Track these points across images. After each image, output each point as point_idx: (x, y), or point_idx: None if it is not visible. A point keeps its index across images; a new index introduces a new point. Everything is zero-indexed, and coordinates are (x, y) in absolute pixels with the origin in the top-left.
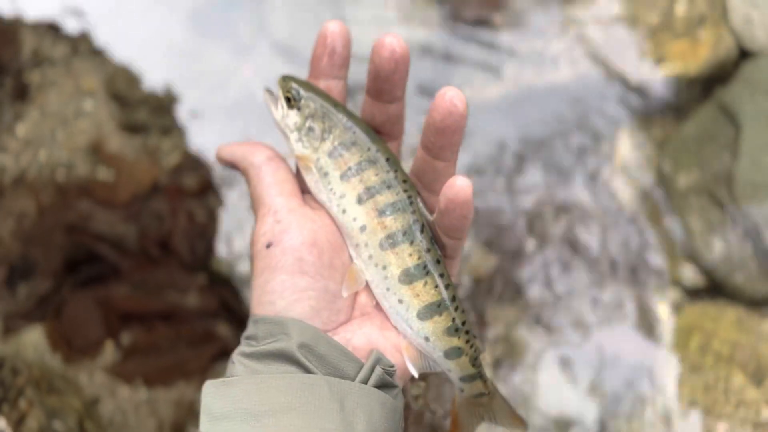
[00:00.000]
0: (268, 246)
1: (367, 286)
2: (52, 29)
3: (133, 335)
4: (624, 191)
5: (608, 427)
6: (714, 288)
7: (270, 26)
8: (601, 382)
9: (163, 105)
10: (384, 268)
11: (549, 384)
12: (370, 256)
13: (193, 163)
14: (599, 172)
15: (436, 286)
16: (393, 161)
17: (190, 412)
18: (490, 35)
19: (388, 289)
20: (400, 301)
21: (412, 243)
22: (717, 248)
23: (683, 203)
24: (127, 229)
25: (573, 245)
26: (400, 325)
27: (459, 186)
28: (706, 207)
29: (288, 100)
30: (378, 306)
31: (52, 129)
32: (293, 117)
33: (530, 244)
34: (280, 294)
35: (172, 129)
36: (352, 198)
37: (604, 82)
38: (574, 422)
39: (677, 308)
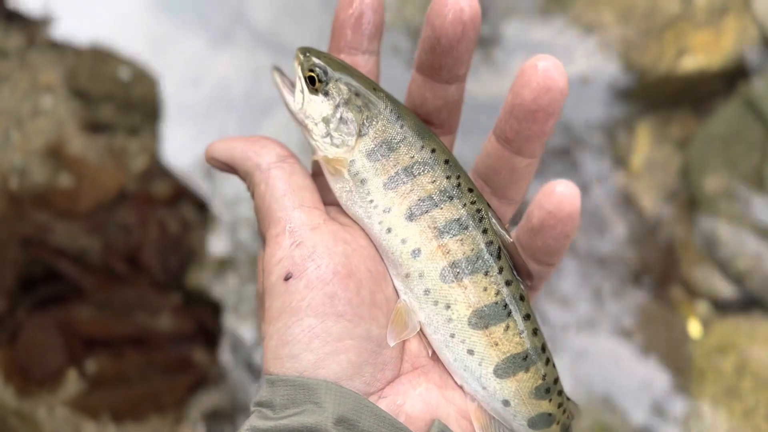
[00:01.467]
0: (287, 278)
1: (421, 331)
2: (3, 17)
3: (99, 363)
4: (644, 195)
5: None
6: (746, 300)
7: (249, 13)
8: (630, 406)
9: (131, 101)
10: (447, 307)
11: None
12: (427, 291)
13: (165, 166)
14: (615, 173)
15: (521, 333)
16: (454, 164)
17: None
18: (495, 26)
19: (452, 336)
20: (471, 352)
21: (486, 274)
22: (749, 256)
23: (711, 208)
24: (90, 243)
25: (588, 254)
26: (469, 384)
27: (562, 194)
28: (737, 212)
29: (311, 81)
30: (435, 356)
31: (5, 129)
32: (318, 105)
33: None
34: (306, 345)
35: (140, 128)
36: (401, 213)
37: (619, 77)
38: None
39: (707, 323)
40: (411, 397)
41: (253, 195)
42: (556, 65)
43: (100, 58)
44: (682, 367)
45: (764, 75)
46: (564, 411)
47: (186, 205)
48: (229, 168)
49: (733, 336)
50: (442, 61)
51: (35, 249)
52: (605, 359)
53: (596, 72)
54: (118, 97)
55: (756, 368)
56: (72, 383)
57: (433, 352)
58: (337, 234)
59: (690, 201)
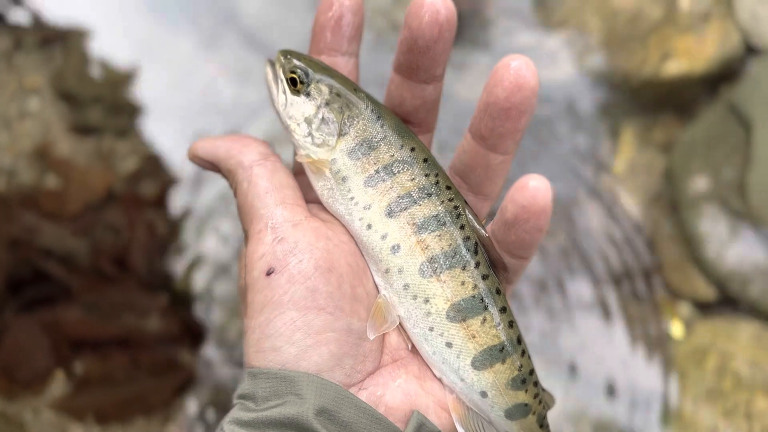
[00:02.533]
0: (269, 273)
1: (401, 325)
2: None
3: (86, 365)
4: (627, 198)
5: None
6: (727, 302)
7: (238, 14)
8: (612, 406)
9: (118, 104)
10: (426, 301)
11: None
12: (406, 286)
13: (153, 168)
14: (600, 177)
15: (498, 325)
16: (432, 162)
17: None
18: (482, 30)
19: (431, 329)
20: (449, 345)
21: (464, 268)
22: (730, 259)
23: (693, 210)
24: (77, 244)
25: (572, 255)
26: (447, 376)
27: (535, 188)
28: (718, 214)
29: (293, 82)
30: (415, 349)
31: None
32: (300, 105)
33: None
34: (288, 338)
35: (128, 130)
36: (381, 209)
37: (604, 81)
38: None
39: (688, 325)
40: (391, 389)
41: (235, 192)
42: (528, 64)
43: (88, 60)
44: (663, 367)
45: (746, 80)
46: (540, 401)
47: (174, 207)
48: (212, 166)
49: (715, 337)
50: (420, 61)
51: (22, 250)
52: (588, 359)
53: (581, 76)
54: (105, 99)
55: (737, 368)
56: (59, 385)
57: (413, 346)
58: (318, 230)
59: (672, 204)
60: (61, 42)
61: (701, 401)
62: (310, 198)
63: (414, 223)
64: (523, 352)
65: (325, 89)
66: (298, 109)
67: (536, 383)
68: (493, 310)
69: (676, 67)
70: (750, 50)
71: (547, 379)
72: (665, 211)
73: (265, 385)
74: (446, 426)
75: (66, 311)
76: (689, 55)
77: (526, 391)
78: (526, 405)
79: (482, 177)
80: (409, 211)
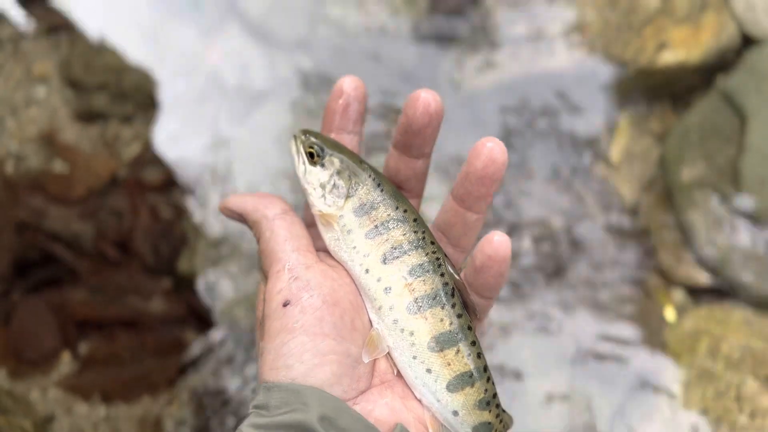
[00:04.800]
0: (285, 305)
1: (389, 353)
2: None
3: (91, 345)
4: (623, 185)
5: None
6: (720, 288)
7: (241, 4)
8: (605, 390)
9: (123, 92)
10: (411, 334)
11: (549, 395)
12: (395, 321)
13: (157, 154)
14: (596, 164)
15: (469, 355)
16: (420, 222)
17: (156, 430)
18: (482, 20)
19: (414, 358)
20: (429, 371)
21: (443, 308)
22: (723, 246)
23: (687, 198)
24: (83, 228)
25: (569, 242)
26: (426, 397)
27: (498, 242)
28: (712, 202)
29: (311, 155)
30: (399, 374)
31: (1, 117)
32: (317, 173)
33: (525, 243)
34: (298, 357)
35: (133, 117)
36: (378, 257)
37: (601, 71)
38: None
39: (682, 310)
40: (379, 405)
41: (258, 240)
42: (500, 145)
43: (94, 48)
44: (657, 351)
45: (741, 69)
46: (501, 421)
47: (177, 192)
48: (240, 217)
49: (708, 322)
50: (413, 141)
51: (29, 233)
52: (582, 342)
53: (578, 65)
54: (111, 87)
55: (728, 352)
56: (65, 365)
57: (398, 371)
58: (326, 272)
59: (667, 191)
60: (66, 30)
61: (693, 384)
62: (319, 247)
63: (403, 270)
64: (488, 379)
65: (336, 161)
66: (315, 176)
67: (498, 405)
68: (466, 343)
69: (672, 56)
70: (745, 40)
71: (554, 363)
72: (659, 198)
73: (278, 396)
74: (419, 429)
75: (72, 293)
76: (685, 45)
77: (490, 411)
78: (489, 423)
79: (460, 232)
80: (400, 259)
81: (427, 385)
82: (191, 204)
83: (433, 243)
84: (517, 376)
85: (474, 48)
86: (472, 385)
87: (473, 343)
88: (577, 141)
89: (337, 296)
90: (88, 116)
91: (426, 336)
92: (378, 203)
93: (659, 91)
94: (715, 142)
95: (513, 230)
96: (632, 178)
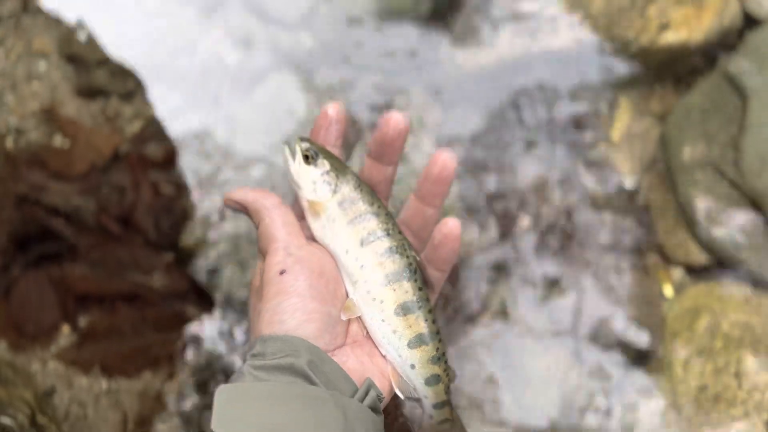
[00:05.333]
0: (282, 273)
1: (358, 318)
2: None
3: (92, 319)
4: (623, 165)
5: (613, 414)
6: (719, 266)
7: None
8: (603, 367)
9: (124, 68)
10: (381, 302)
11: (547, 366)
12: (368, 291)
13: (158, 130)
14: (596, 144)
15: (426, 320)
16: (390, 216)
17: (157, 404)
18: None
19: (383, 321)
20: (394, 332)
21: (407, 281)
22: (723, 225)
23: (688, 177)
24: (84, 203)
25: (569, 221)
26: (390, 353)
27: (452, 224)
28: (712, 182)
29: (306, 158)
30: (367, 336)
31: (0, 91)
32: (310, 172)
33: (524, 221)
34: (291, 314)
35: (134, 94)
36: (356, 241)
37: (603, 50)
38: (577, 408)
39: (681, 288)
40: (351, 359)
41: (258, 225)
42: (451, 155)
43: (92, 25)
44: (655, 329)
45: (743, 50)
46: (447, 375)
47: (179, 168)
48: (242, 207)
49: (707, 300)
50: (385, 151)
51: (30, 208)
52: (580, 319)
53: (580, 44)
54: (111, 63)
55: (727, 329)
56: (65, 339)
57: (367, 333)
58: (313, 251)
59: (667, 171)
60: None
61: (692, 361)
62: (306, 235)
63: (377, 252)
64: (440, 340)
65: (326, 163)
66: (308, 174)
67: (446, 362)
68: (424, 311)
69: (674, 36)
70: (748, 20)
71: (551, 340)
72: (660, 178)
73: (273, 346)
74: (384, 388)
75: (72, 267)
76: (687, 25)
77: (439, 366)
78: (438, 375)
79: (420, 225)
80: (374, 243)
81: (392, 342)
82: (192, 180)
83: (400, 233)
84: (515, 352)
85: (475, 27)
86: (427, 344)
87: (430, 311)
88: (577, 120)
89: (323, 269)
90: (88, 92)
91: (393, 303)
92: (357, 199)
93: (661, 72)
94: (717, 122)
95: (511, 208)
96: (632, 157)
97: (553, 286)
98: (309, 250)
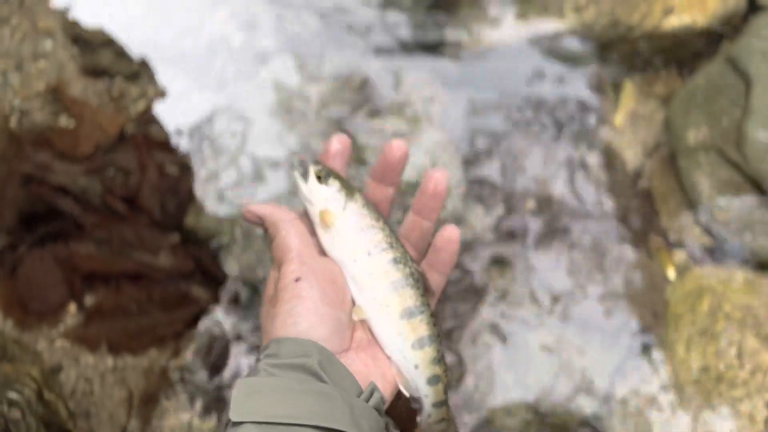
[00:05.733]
0: (297, 280)
1: (364, 324)
2: None
3: (98, 297)
4: (626, 149)
5: (615, 395)
6: (722, 249)
7: None
8: (606, 349)
9: (129, 48)
10: (387, 306)
11: (549, 347)
12: (375, 297)
13: (163, 111)
14: (600, 127)
15: (428, 323)
16: (393, 230)
17: (163, 381)
18: None
19: (389, 324)
20: (399, 334)
21: (410, 287)
22: (726, 208)
23: (691, 161)
24: (90, 183)
25: (573, 204)
26: (395, 354)
27: (452, 230)
28: (715, 165)
29: (318, 178)
30: (370, 341)
31: (4, 71)
32: (322, 190)
33: (529, 204)
34: (305, 317)
35: (139, 74)
36: (364, 251)
37: (607, 35)
38: (579, 389)
39: (683, 270)
40: (356, 362)
41: (274, 237)
42: (443, 173)
43: (98, 4)
44: (658, 311)
45: (747, 35)
46: (446, 375)
47: (184, 149)
48: (260, 220)
49: (709, 282)
50: (387, 174)
51: (36, 187)
52: (583, 301)
53: (585, 28)
54: (116, 44)
55: (729, 311)
56: (71, 317)
57: (369, 339)
58: (325, 262)
59: (671, 154)
60: None
61: (694, 342)
62: (318, 250)
63: (383, 261)
64: (440, 342)
65: (337, 183)
66: (320, 192)
67: (445, 363)
68: (426, 315)
69: (678, 21)
70: (752, 5)
71: (555, 322)
72: (663, 161)
73: (286, 347)
74: (386, 392)
75: (78, 246)
76: (691, 10)
77: (440, 366)
78: (438, 376)
79: (418, 238)
80: (380, 254)
81: (397, 344)
82: (197, 161)
83: (402, 246)
84: (518, 333)
85: (479, 10)
86: (429, 346)
87: (431, 315)
88: (581, 104)
89: (333, 278)
90: (94, 72)
91: (398, 308)
92: (365, 215)
93: (665, 56)
94: (720, 106)
95: (515, 191)
96: (636, 141)
97: (556, 268)
98: (321, 261)
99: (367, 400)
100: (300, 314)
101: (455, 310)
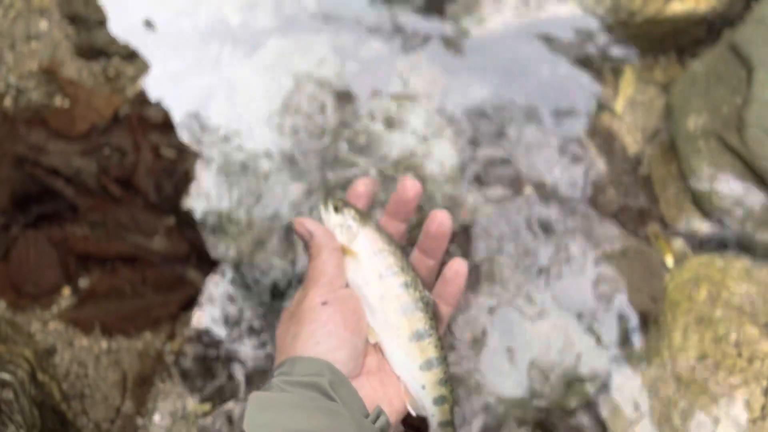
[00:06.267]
0: (324, 304)
1: (374, 350)
2: None
3: (92, 280)
4: (626, 135)
5: (611, 382)
6: (721, 237)
7: None
8: (602, 335)
9: (125, 28)
10: (397, 329)
11: (546, 334)
12: (386, 320)
13: (159, 92)
14: (599, 114)
15: (435, 346)
16: (404, 255)
17: (158, 363)
18: None
19: (398, 346)
20: (408, 355)
21: (419, 311)
22: (725, 195)
23: (691, 147)
24: (85, 164)
25: (571, 190)
26: (404, 374)
27: (460, 263)
28: (716, 152)
29: (335, 208)
30: (380, 367)
31: None
32: (338, 218)
33: (527, 190)
34: (327, 338)
35: (136, 55)
36: (376, 275)
37: (608, 20)
38: (576, 377)
39: (682, 258)
40: (365, 386)
41: (314, 257)
42: (446, 215)
43: None
44: (655, 298)
45: (749, 21)
46: (452, 396)
47: (179, 131)
48: (309, 235)
49: (708, 270)
50: (401, 210)
51: (29, 168)
52: (581, 287)
53: (585, 13)
54: (113, 23)
55: (728, 299)
56: (65, 299)
57: (377, 365)
58: (350, 293)
59: (671, 141)
60: None
61: (692, 329)
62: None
63: (394, 285)
64: (447, 364)
65: (351, 211)
66: (336, 220)
67: (451, 384)
68: (433, 338)
69: (680, 6)
70: None
71: (553, 307)
72: (663, 148)
73: (300, 366)
74: (392, 414)
75: (73, 228)
76: None
77: (446, 388)
78: (444, 396)
79: (423, 275)
80: (391, 277)
81: (406, 365)
82: (193, 142)
83: (413, 270)
84: (514, 319)
85: None
86: (437, 367)
87: (438, 339)
88: (581, 89)
89: (355, 308)
90: (90, 52)
91: (407, 331)
92: (377, 239)
93: (666, 43)
94: (722, 93)
95: (513, 177)
96: (636, 127)
97: (554, 254)
98: (347, 292)
99: (374, 422)
100: (323, 335)
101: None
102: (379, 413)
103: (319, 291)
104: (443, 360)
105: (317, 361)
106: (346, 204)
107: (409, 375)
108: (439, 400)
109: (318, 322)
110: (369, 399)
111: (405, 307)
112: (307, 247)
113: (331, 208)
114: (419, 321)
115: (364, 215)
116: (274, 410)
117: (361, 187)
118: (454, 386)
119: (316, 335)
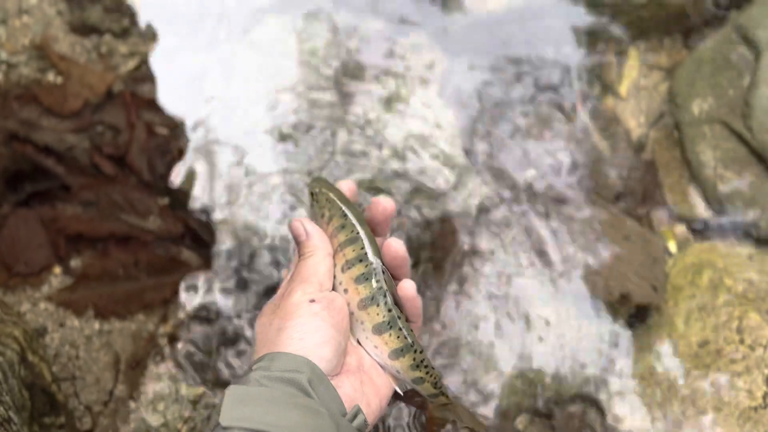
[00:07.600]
0: (311, 301)
1: (353, 350)
2: None
3: (85, 260)
4: (630, 119)
5: (612, 368)
6: (724, 224)
7: None
8: (604, 321)
9: (120, 5)
10: (362, 323)
11: (547, 318)
12: (352, 313)
13: (153, 70)
14: (603, 97)
15: (398, 337)
16: (369, 239)
17: (151, 346)
18: None
19: (366, 338)
20: (376, 347)
21: (378, 305)
22: (729, 181)
23: (696, 132)
24: (77, 141)
25: (573, 173)
26: (378, 362)
27: (409, 286)
28: (720, 137)
29: (312, 194)
30: (359, 367)
31: None
32: (312, 203)
33: (529, 173)
34: (312, 334)
35: (129, 32)
36: (339, 267)
37: (613, 1)
38: (577, 360)
39: (685, 244)
40: (344, 385)
41: (309, 256)
42: (390, 201)
43: None
44: (658, 284)
45: (756, 3)
46: (431, 375)
47: (173, 109)
48: (306, 235)
49: (710, 256)
50: (374, 227)
51: (20, 145)
52: (583, 272)
53: None
54: (106, 0)
55: (730, 285)
56: (56, 280)
57: (357, 365)
58: (337, 295)
59: (675, 125)
60: None
61: (694, 316)
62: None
63: (353, 278)
64: (416, 350)
65: (322, 198)
66: (311, 205)
67: (426, 366)
68: (395, 330)
69: None
70: None
71: (554, 293)
72: (667, 133)
73: (279, 361)
74: (369, 414)
75: (64, 207)
76: None
77: (420, 370)
78: (422, 377)
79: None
80: (350, 270)
81: (377, 355)
82: (187, 121)
83: (376, 255)
84: (517, 303)
85: None
86: (405, 356)
87: (400, 329)
88: (585, 72)
89: (341, 308)
90: (82, 28)
91: (369, 324)
92: (342, 227)
93: (671, 26)
94: (727, 77)
95: (515, 160)
96: (639, 111)
97: (555, 238)
98: (334, 293)
99: (351, 421)
100: (308, 331)
101: (456, 278)
102: (357, 412)
103: (308, 288)
104: (410, 347)
105: (297, 358)
106: (323, 186)
107: (383, 363)
108: (418, 381)
109: (305, 317)
110: (347, 398)
111: (363, 302)
112: (298, 245)
113: (308, 193)
114: (377, 315)
115: (338, 200)
116: (251, 404)
117: (382, 207)
118: (435, 364)
119: (301, 330)
